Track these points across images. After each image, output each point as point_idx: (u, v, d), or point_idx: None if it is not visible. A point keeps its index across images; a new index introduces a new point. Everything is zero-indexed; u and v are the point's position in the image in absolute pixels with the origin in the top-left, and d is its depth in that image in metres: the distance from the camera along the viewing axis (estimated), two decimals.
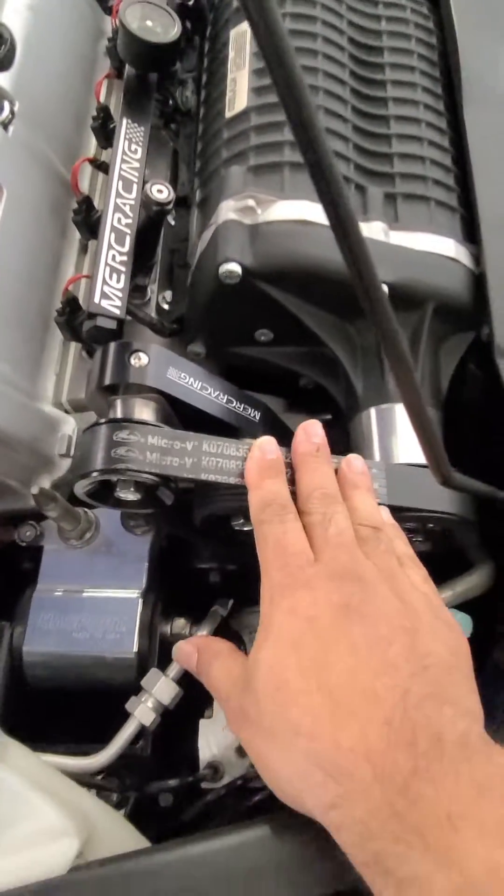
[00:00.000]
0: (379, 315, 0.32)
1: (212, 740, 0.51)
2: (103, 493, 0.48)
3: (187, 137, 0.73)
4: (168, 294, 0.68)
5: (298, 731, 0.33)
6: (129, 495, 0.46)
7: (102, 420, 0.46)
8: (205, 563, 0.64)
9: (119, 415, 0.47)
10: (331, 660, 0.35)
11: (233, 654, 0.43)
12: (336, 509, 0.42)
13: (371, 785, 0.30)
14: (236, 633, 0.59)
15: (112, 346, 0.48)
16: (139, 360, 0.47)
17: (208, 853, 0.32)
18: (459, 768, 0.29)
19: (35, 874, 0.33)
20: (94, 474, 0.44)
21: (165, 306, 0.67)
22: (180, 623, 0.57)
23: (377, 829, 0.29)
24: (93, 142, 0.74)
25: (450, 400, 0.58)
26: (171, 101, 0.74)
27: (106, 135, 0.72)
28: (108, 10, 0.84)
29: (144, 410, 0.47)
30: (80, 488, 0.46)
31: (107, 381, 0.47)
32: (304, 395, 0.65)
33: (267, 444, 0.46)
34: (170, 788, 0.49)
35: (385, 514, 0.47)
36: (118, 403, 0.48)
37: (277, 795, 0.35)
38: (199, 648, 0.46)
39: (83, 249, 0.70)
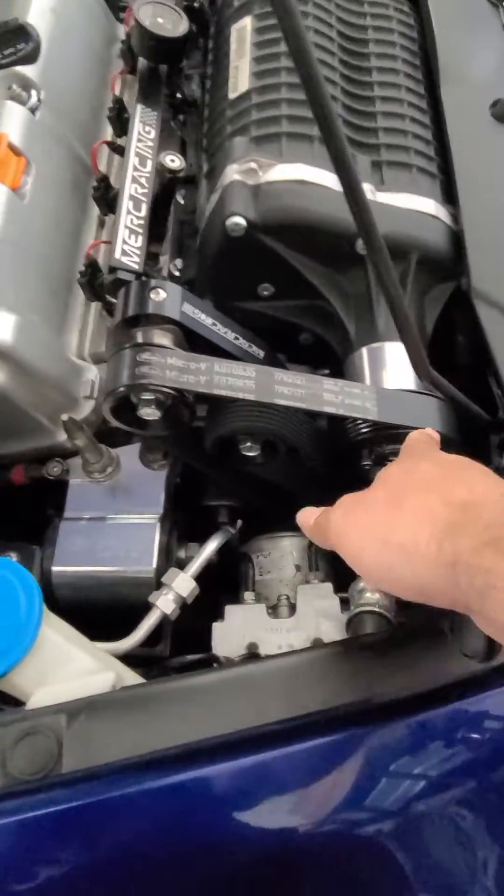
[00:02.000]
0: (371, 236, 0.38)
1: (224, 641, 0.56)
2: (127, 415, 0.54)
3: (193, 126, 0.81)
4: (178, 262, 0.75)
5: (427, 487, 0.39)
6: (151, 413, 0.53)
7: (126, 345, 0.53)
8: (213, 500, 0.70)
9: (140, 341, 0.53)
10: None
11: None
12: None
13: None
14: (246, 554, 0.65)
15: (134, 283, 0.55)
16: (158, 294, 0.53)
17: (230, 676, 0.38)
18: None
19: (81, 696, 0.38)
20: (121, 389, 0.51)
21: (176, 273, 0.74)
22: (193, 547, 0.63)
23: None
24: (108, 130, 0.82)
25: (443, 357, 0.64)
26: (178, 95, 0.82)
27: (121, 124, 0.79)
28: (120, 19, 0.93)
29: (163, 338, 0.54)
30: (108, 405, 0.52)
31: (130, 313, 0.54)
32: (304, 350, 0.72)
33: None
34: (187, 663, 0.54)
35: None
36: (139, 333, 0.54)
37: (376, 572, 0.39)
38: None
39: (100, 224, 0.77)
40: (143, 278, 0.62)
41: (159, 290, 0.53)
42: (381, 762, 0.36)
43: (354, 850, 0.36)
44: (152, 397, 0.52)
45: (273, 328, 0.69)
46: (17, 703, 0.41)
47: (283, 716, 0.36)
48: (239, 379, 0.52)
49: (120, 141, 0.81)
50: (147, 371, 0.50)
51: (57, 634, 0.43)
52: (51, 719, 0.36)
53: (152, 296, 0.53)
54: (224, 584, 0.66)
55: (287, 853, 0.35)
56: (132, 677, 0.44)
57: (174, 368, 0.51)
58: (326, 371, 0.74)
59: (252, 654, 0.51)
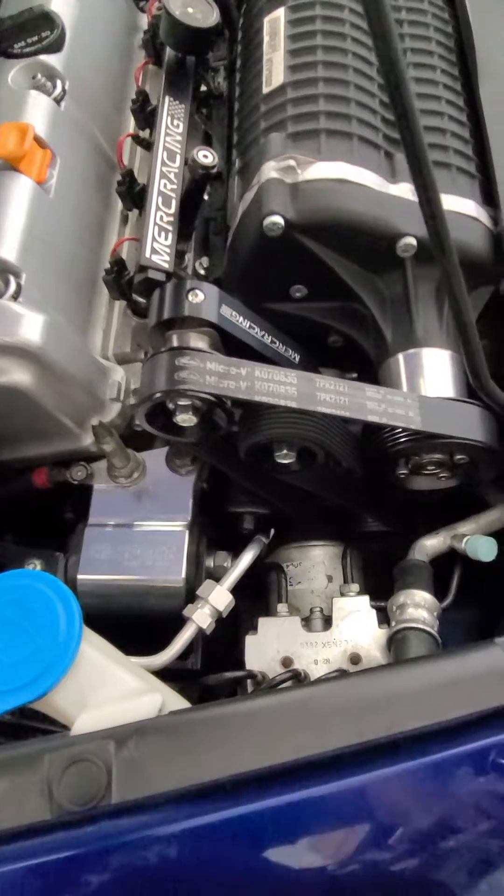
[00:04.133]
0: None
1: (257, 654, 0.55)
2: (161, 420, 0.52)
3: (220, 120, 0.79)
4: (204, 260, 0.73)
5: None
6: (187, 420, 0.51)
7: (163, 349, 0.51)
8: (239, 507, 0.68)
9: (176, 345, 0.51)
10: None
11: None
12: None
13: None
14: (277, 564, 0.63)
15: (169, 284, 0.53)
16: (196, 296, 0.51)
17: (285, 701, 0.36)
18: None
19: (123, 721, 0.36)
20: (158, 395, 0.49)
21: (202, 271, 0.72)
22: (222, 555, 0.61)
23: None
24: (131, 122, 0.79)
25: None
26: (203, 87, 0.79)
27: (144, 116, 0.77)
28: (142, 9, 0.90)
29: (200, 341, 0.52)
30: (142, 411, 0.50)
31: (165, 315, 0.52)
32: (333, 353, 0.70)
33: None
34: (224, 681, 0.52)
35: None
36: (174, 336, 0.52)
37: None
38: None
39: (124, 220, 0.75)
40: (174, 278, 0.61)
41: (197, 291, 0.51)
42: (450, 792, 0.34)
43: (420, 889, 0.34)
44: (189, 403, 0.50)
45: (302, 330, 0.67)
46: (60, 726, 0.40)
47: (344, 743, 0.34)
48: (280, 385, 0.50)
49: (143, 133, 0.79)
50: (186, 376, 0.48)
51: (97, 652, 0.41)
52: (99, 746, 0.34)
53: (190, 297, 0.51)
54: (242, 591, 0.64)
55: (347, 891, 0.34)
56: (175, 698, 0.42)
57: (214, 374, 0.49)
58: (354, 375, 0.72)
59: (294, 674, 0.49)
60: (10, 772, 0.34)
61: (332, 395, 0.51)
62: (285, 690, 0.38)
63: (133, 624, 0.60)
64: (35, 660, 0.39)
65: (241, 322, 0.54)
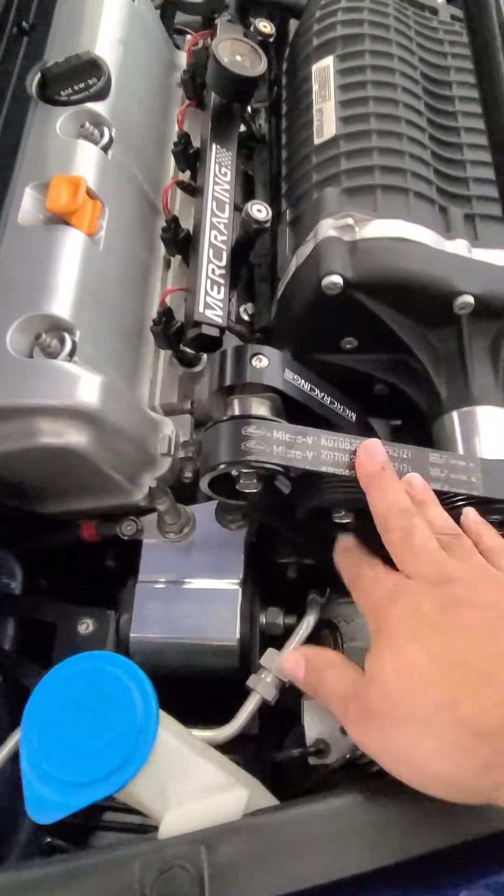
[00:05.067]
0: None
1: (317, 719, 0.54)
2: (224, 487, 0.52)
3: (261, 163, 0.78)
4: (249, 306, 0.72)
5: (440, 705, 0.35)
6: (251, 487, 0.50)
7: (225, 417, 0.50)
8: (284, 558, 0.67)
9: (237, 412, 0.51)
10: (453, 640, 0.37)
11: (345, 662, 0.44)
12: (415, 522, 0.44)
13: None
14: (330, 621, 0.62)
15: (230, 349, 0.52)
16: (260, 361, 0.51)
17: (382, 797, 0.35)
18: None
19: (211, 821, 0.36)
20: (222, 465, 0.48)
21: (245, 317, 0.72)
22: (274, 611, 0.61)
23: None
24: (171, 164, 0.79)
25: None
26: (242, 127, 0.79)
27: (186, 159, 0.76)
28: (178, 46, 0.90)
29: (261, 408, 0.51)
30: (206, 479, 0.50)
31: (228, 381, 0.51)
32: (377, 401, 0.70)
33: (376, 447, 0.48)
34: (280, 760, 0.52)
35: (472, 513, 0.50)
36: (236, 402, 0.52)
37: (422, 787, 0.35)
38: (306, 658, 0.46)
39: (166, 264, 0.74)
40: (240, 340, 0.60)
41: (261, 356, 0.51)
42: None
43: None
44: (254, 471, 0.49)
45: (347, 379, 0.67)
46: (138, 813, 0.39)
47: (449, 842, 0.34)
48: (345, 454, 0.49)
49: (183, 175, 0.79)
50: (253, 447, 0.47)
51: (174, 738, 0.40)
52: (190, 851, 0.34)
53: (254, 362, 0.51)
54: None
55: None
56: (257, 788, 0.42)
57: (281, 443, 0.48)
58: (398, 422, 0.72)
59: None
60: (103, 875, 0.33)
61: (396, 462, 0.50)
62: (383, 786, 0.37)
63: (183, 681, 0.59)
64: (115, 748, 0.39)
65: (302, 385, 0.53)
